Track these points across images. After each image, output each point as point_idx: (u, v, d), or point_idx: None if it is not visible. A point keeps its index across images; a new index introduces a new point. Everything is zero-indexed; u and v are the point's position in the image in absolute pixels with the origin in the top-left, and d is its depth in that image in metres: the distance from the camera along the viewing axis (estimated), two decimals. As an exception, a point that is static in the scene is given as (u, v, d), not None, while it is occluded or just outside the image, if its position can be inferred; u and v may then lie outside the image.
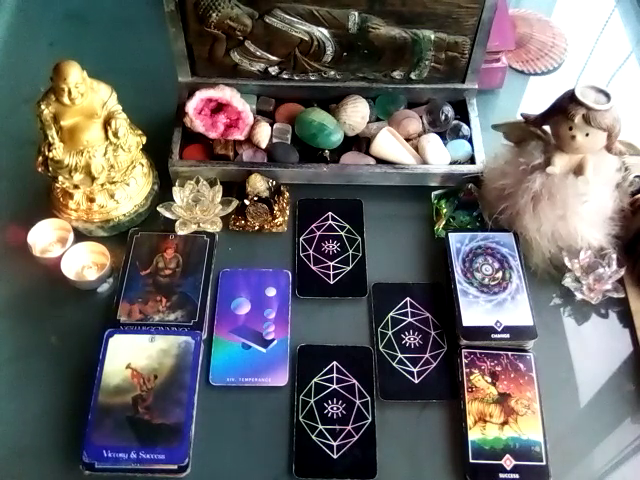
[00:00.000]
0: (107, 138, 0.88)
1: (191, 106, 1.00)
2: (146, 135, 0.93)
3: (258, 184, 0.96)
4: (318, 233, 0.96)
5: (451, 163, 1.00)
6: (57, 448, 0.79)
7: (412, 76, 1.03)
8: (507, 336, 0.84)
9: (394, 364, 0.85)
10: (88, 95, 0.85)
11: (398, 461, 0.79)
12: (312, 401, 0.82)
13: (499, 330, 0.84)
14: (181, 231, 0.94)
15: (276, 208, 0.96)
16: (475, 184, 0.97)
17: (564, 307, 0.91)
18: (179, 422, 0.79)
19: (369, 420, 0.81)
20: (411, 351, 0.86)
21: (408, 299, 0.90)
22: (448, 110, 1.02)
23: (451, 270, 0.89)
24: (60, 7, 1.25)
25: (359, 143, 1.02)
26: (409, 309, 0.89)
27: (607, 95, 0.81)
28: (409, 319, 0.89)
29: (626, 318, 0.90)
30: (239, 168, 0.98)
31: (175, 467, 0.77)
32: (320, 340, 0.87)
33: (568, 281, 0.90)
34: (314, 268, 0.93)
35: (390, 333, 0.87)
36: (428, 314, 0.89)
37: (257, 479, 0.78)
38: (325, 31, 0.96)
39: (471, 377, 0.83)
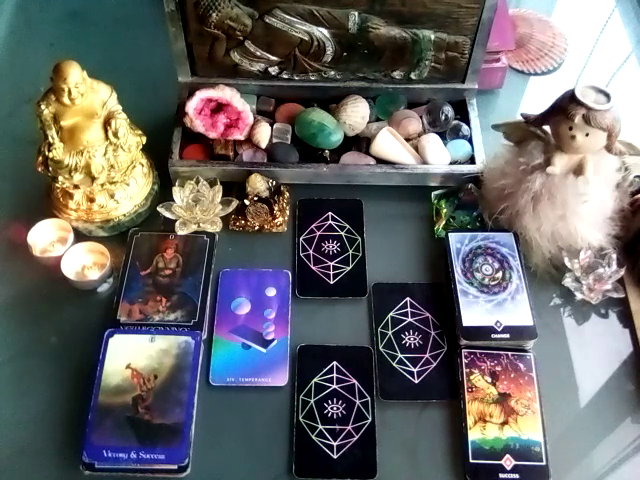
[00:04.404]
0: (107, 138, 0.88)
1: (191, 106, 1.00)
2: (146, 135, 0.93)
3: (258, 184, 0.96)
4: (318, 233, 0.96)
5: (451, 163, 1.00)
6: (57, 448, 0.79)
7: (412, 76, 1.03)
8: (507, 336, 0.84)
9: (394, 364, 0.85)
10: (88, 95, 0.85)
11: (398, 461, 0.79)
12: (312, 401, 0.82)
13: (499, 330, 0.84)
14: (181, 231, 0.94)
15: (276, 208, 0.96)
16: (475, 184, 0.97)
17: (564, 307, 0.91)
18: (179, 422, 0.79)
19: (369, 420, 0.81)
20: (411, 351, 0.86)
21: (408, 299, 0.90)
22: (448, 110, 1.02)
23: (451, 270, 0.89)
24: (60, 7, 1.25)
25: (359, 143, 1.02)
26: (409, 309, 0.89)
27: (607, 95, 0.81)
28: (409, 319, 0.89)
29: (626, 318, 0.90)
30: (239, 168, 0.98)
31: (175, 467, 0.77)
32: (320, 340, 0.87)
33: (568, 281, 0.90)
34: (314, 268, 0.93)
35: (390, 333, 0.87)
36: (428, 314, 0.89)
37: (257, 479, 0.78)
38: (325, 31, 0.96)
39: (471, 377, 0.83)
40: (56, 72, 0.82)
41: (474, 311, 0.86)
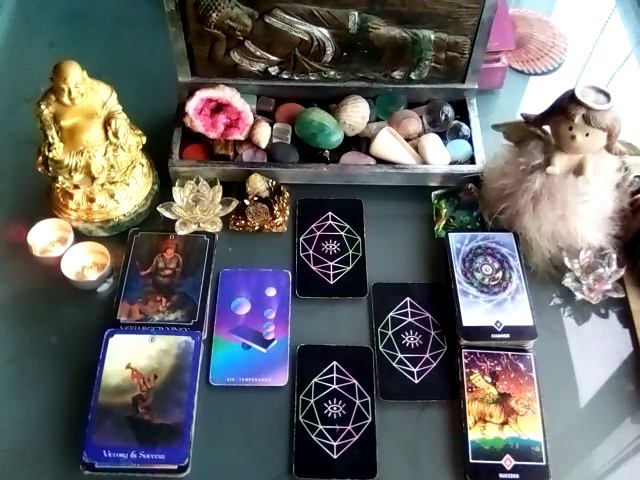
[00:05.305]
0: (107, 138, 0.88)
1: (191, 106, 1.00)
2: (146, 135, 0.93)
3: (258, 184, 0.96)
4: (318, 233, 0.96)
5: (451, 163, 1.00)
6: (57, 448, 0.79)
7: (412, 76, 1.03)
8: (507, 336, 0.84)
9: (394, 364, 0.85)
10: (88, 95, 0.85)
11: (398, 461, 0.79)
12: (312, 401, 0.82)
13: (499, 330, 0.84)
14: (181, 231, 0.94)
15: (276, 208, 0.96)
16: (475, 184, 0.97)
17: (564, 307, 0.91)
18: (179, 422, 0.79)
19: (369, 420, 0.81)
20: (411, 351, 0.86)
21: (408, 299, 0.90)
22: (448, 110, 1.02)
23: (451, 270, 0.89)
24: (60, 7, 1.25)
25: (359, 143, 1.02)
26: (409, 309, 0.89)
27: (607, 95, 0.81)
28: (409, 319, 0.89)
29: (626, 318, 0.90)
30: (239, 168, 0.98)
31: (175, 467, 0.77)
32: (320, 340, 0.87)
33: (568, 281, 0.90)
34: (314, 268, 0.93)
35: (390, 333, 0.87)
36: (428, 314, 0.89)
37: (257, 479, 0.78)
38: (325, 31, 0.96)
39: (471, 377, 0.83)
40: (56, 72, 0.82)
41: (474, 311, 0.86)
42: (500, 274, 0.89)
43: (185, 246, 0.93)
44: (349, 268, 0.93)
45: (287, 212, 0.98)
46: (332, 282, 0.92)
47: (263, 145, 1.01)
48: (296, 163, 0.99)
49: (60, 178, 0.89)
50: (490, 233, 0.92)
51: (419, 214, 0.99)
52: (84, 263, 0.92)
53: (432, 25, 0.96)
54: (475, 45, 0.98)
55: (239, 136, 1.01)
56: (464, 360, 0.84)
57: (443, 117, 1.02)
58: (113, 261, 0.92)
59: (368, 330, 0.88)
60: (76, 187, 0.91)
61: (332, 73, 1.02)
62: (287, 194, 0.99)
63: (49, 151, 0.86)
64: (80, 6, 1.25)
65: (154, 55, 1.11)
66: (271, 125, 1.03)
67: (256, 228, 0.97)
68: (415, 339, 0.87)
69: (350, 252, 0.95)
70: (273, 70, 1.02)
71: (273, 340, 0.87)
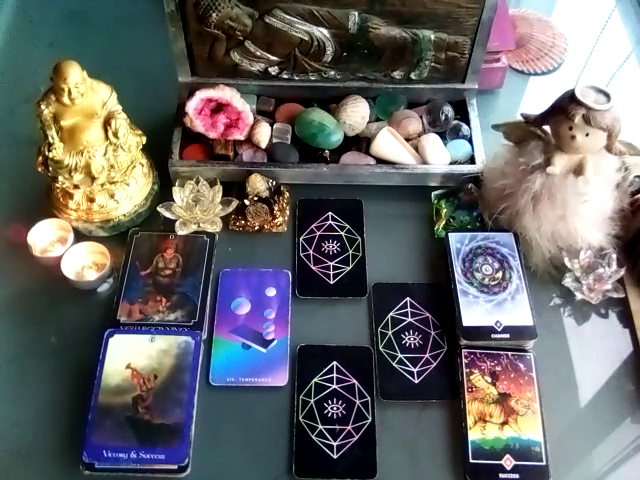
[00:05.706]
0: (107, 138, 0.88)
1: (191, 106, 1.00)
2: (146, 135, 0.93)
3: (258, 184, 0.96)
4: (318, 233, 0.96)
5: (451, 163, 1.00)
6: (57, 448, 0.79)
7: (412, 76, 1.03)
8: (507, 336, 0.84)
9: (394, 364, 0.85)
10: (88, 95, 0.85)
11: (398, 461, 0.79)
12: (312, 401, 0.82)
13: (499, 330, 0.84)
14: (181, 231, 0.94)
15: (276, 208, 0.96)
16: (475, 184, 0.97)
17: (564, 307, 0.91)
18: (179, 422, 0.79)
19: (369, 420, 0.81)
20: (411, 351, 0.86)
21: (408, 299, 0.90)
22: (448, 110, 1.02)
23: (451, 270, 0.89)
24: (60, 7, 1.25)
25: (359, 143, 1.02)
26: (409, 309, 0.89)
27: (607, 95, 0.81)
28: (409, 319, 0.89)
29: (626, 318, 0.90)
30: (239, 168, 0.98)
31: (175, 467, 0.77)
32: (320, 340, 0.87)
33: (568, 281, 0.90)
34: (314, 268, 0.93)
35: (390, 333, 0.87)
36: (428, 314, 0.89)
37: (257, 479, 0.78)
38: (325, 31, 0.96)
39: (471, 377, 0.83)
40: (56, 72, 0.82)
41: (474, 311, 0.86)
42: (500, 274, 0.89)
43: (185, 246, 0.93)
44: (349, 268, 0.93)
45: (287, 212, 0.98)
46: (332, 282, 0.92)
47: (263, 145, 1.01)
48: (296, 163, 0.99)
49: (60, 178, 0.89)
50: (490, 233, 0.92)
51: (419, 214, 0.99)
52: (84, 263, 0.92)
53: (432, 25, 0.96)
54: (475, 45, 0.98)
55: (239, 136, 1.01)
56: (464, 360, 0.84)
57: (443, 117, 1.02)
58: (113, 261, 0.92)
59: (368, 330, 0.88)
60: (76, 187, 0.91)
61: (332, 73, 1.02)
62: (287, 194, 0.99)
63: (49, 151, 0.86)
64: (80, 6, 1.25)
65: (154, 55, 1.11)
66: (271, 125, 1.03)
67: (256, 228, 0.97)
68: (415, 339, 0.87)
69: (350, 252, 0.95)
70: (273, 70, 1.02)
71: (273, 340, 0.87)
